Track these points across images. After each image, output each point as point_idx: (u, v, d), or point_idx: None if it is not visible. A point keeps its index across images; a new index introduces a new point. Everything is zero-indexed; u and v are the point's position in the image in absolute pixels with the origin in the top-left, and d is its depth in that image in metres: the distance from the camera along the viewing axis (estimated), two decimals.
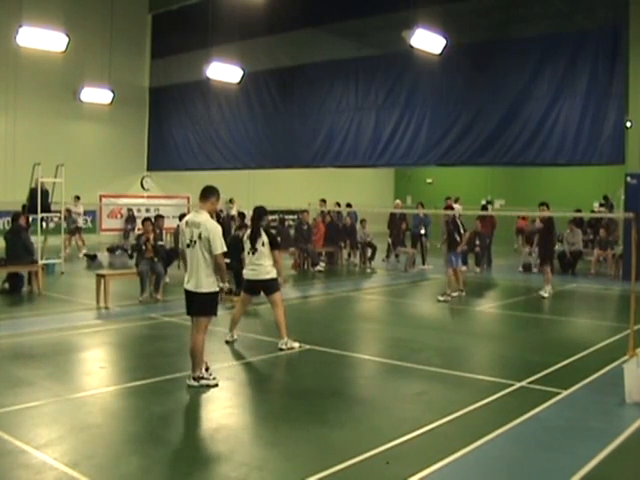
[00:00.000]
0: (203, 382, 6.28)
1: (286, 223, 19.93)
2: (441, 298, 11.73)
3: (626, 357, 6.97)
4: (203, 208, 6.28)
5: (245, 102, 20.16)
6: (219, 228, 6.21)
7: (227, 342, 8.08)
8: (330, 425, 5.32)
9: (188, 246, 6.21)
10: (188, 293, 6.30)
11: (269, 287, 7.80)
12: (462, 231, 12.08)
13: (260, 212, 7.88)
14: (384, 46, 17.16)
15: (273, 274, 7.77)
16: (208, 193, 6.31)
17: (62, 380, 6.56)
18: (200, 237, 6.10)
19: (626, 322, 7.71)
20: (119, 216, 23.21)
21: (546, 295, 12.27)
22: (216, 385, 6.29)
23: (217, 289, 6.32)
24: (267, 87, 19.65)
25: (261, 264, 7.72)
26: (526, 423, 5.38)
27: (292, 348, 7.74)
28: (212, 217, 6.36)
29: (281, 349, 7.72)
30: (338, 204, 19.11)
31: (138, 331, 9.18)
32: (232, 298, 11.51)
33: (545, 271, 12.66)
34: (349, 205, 19.27)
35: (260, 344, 8.14)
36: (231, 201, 22.54)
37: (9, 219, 13.11)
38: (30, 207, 14.24)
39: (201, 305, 6.24)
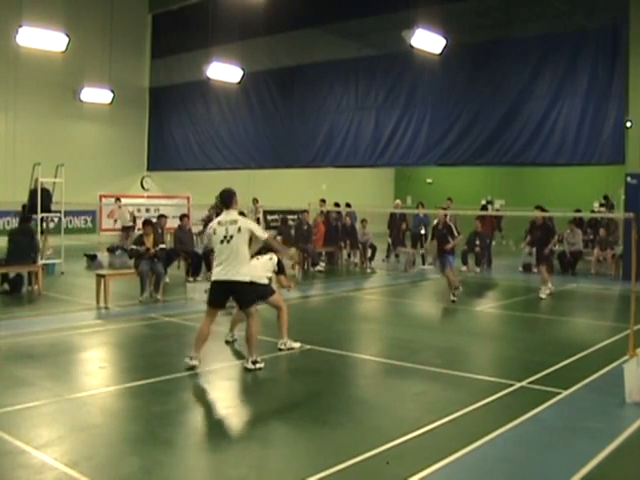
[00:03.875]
0: (257, 365, 6.82)
1: (288, 223, 19.89)
2: (454, 298, 11.64)
3: (626, 357, 6.97)
4: (231, 209, 6.79)
5: (245, 102, 20.16)
6: (250, 221, 7.03)
7: (227, 342, 8.09)
8: (330, 425, 5.32)
9: (222, 242, 6.63)
10: (221, 283, 6.66)
11: (264, 292, 7.72)
12: (456, 234, 12.02)
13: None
14: (384, 46, 17.17)
15: (264, 280, 7.68)
16: (229, 199, 6.80)
17: (62, 380, 6.56)
18: (240, 230, 6.60)
19: (626, 322, 7.71)
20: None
21: (543, 296, 12.24)
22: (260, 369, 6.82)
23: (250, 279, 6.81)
24: (267, 87, 19.65)
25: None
26: (526, 423, 5.38)
27: (292, 348, 7.73)
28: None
29: (280, 349, 7.72)
30: (337, 204, 19.12)
31: (138, 331, 9.17)
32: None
33: (540, 271, 12.65)
34: (348, 205, 19.26)
35: (260, 344, 8.11)
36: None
37: (9, 219, 13.06)
38: (30, 207, 14.23)
39: (245, 294, 6.76)
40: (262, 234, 6.82)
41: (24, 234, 12.08)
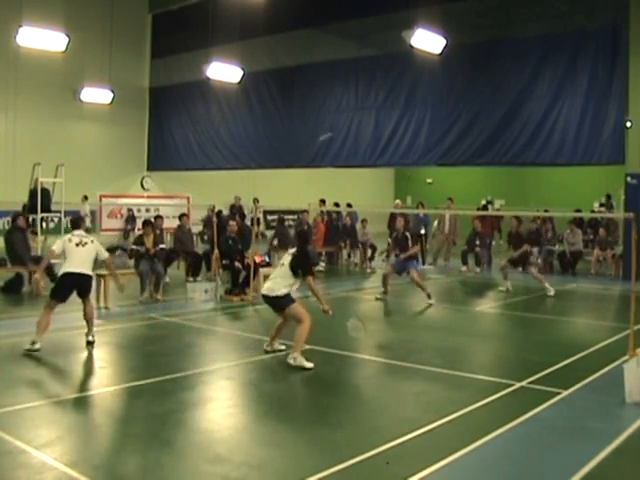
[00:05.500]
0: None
1: (286, 223, 19.90)
2: (431, 301, 11.59)
3: (626, 357, 6.97)
4: (80, 229, 8.23)
5: (245, 102, 20.16)
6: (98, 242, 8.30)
7: (266, 352, 7.63)
8: (330, 425, 5.32)
9: (77, 245, 7.85)
10: (72, 275, 7.75)
11: (281, 303, 7.34)
12: (410, 244, 12.18)
13: (306, 236, 8.47)
14: (384, 46, 17.17)
15: (284, 290, 7.25)
16: (77, 223, 8.42)
17: (62, 380, 6.56)
18: (92, 242, 8.06)
19: (626, 322, 7.71)
20: (119, 216, 23.21)
21: (551, 294, 12.37)
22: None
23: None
24: (267, 87, 19.65)
25: (277, 280, 7.38)
26: (526, 423, 5.38)
27: (303, 367, 6.93)
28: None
29: (289, 363, 7.04)
30: (337, 204, 19.13)
31: (138, 331, 9.17)
32: (232, 298, 11.54)
33: (532, 274, 12.80)
34: (349, 205, 19.27)
35: (260, 344, 8.12)
36: (236, 199, 22.69)
37: (9, 219, 13.07)
38: (30, 207, 14.24)
39: (90, 285, 8.11)
40: (104, 254, 8.27)
41: (10, 234, 12.12)
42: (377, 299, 11.93)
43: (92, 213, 21.31)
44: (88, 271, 7.94)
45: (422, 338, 8.99)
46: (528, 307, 11.79)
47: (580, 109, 13.97)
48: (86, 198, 20.42)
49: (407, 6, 14.64)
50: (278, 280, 7.37)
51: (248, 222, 16.12)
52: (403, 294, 13.42)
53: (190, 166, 22.04)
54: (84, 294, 8.04)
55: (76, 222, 8.55)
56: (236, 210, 19.51)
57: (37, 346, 7.40)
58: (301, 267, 7.38)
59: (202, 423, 5.51)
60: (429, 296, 11.60)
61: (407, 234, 12.28)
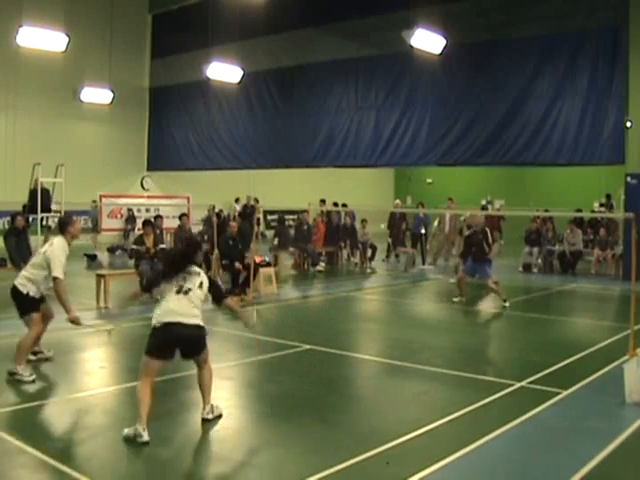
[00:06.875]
0: (17, 377, 6.36)
1: (286, 223, 19.92)
2: (505, 304, 11.28)
3: (626, 357, 6.97)
4: (63, 236, 6.80)
5: (245, 102, 20.16)
6: (58, 253, 6.62)
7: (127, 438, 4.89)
8: (330, 425, 5.32)
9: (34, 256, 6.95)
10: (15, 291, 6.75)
11: (203, 340, 5.48)
12: (490, 241, 11.48)
13: (191, 249, 5.67)
14: (384, 46, 17.16)
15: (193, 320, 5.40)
16: (60, 226, 6.97)
17: (62, 380, 6.56)
18: (44, 253, 6.65)
19: (626, 322, 7.71)
20: (119, 216, 23.21)
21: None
22: (33, 381, 6.32)
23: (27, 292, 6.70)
24: (267, 87, 19.65)
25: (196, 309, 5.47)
26: (526, 423, 5.38)
27: (220, 416, 5.43)
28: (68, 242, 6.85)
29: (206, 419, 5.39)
30: (335, 204, 19.13)
31: (138, 331, 9.15)
32: (232, 298, 11.52)
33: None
34: (344, 205, 19.27)
35: (261, 344, 8.13)
36: (237, 200, 22.71)
37: (9, 219, 13.08)
38: (30, 207, 14.24)
39: (17, 304, 6.77)
40: (54, 272, 6.50)
41: (5, 236, 12.15)
42: (454, 302, 11.50)
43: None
44: (16, 282, 6.70)
45: (422, 338, 8.99)
46: (528, 307, 11.79)
47: (580, 109, 13.97)
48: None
49: (407, 6, 14.64)
50: (197, 305, 5.47)
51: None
52: (403, 294, 13.43)
53: (190, 166, 22.03)
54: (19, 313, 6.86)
55: (59, 225, 7.06)
56: (249, 209, 19.54)
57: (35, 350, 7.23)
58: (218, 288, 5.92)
59: (202, 423, 5.50)
60: (505, 301, 11.26)
61: (487, 230, 11.43)
